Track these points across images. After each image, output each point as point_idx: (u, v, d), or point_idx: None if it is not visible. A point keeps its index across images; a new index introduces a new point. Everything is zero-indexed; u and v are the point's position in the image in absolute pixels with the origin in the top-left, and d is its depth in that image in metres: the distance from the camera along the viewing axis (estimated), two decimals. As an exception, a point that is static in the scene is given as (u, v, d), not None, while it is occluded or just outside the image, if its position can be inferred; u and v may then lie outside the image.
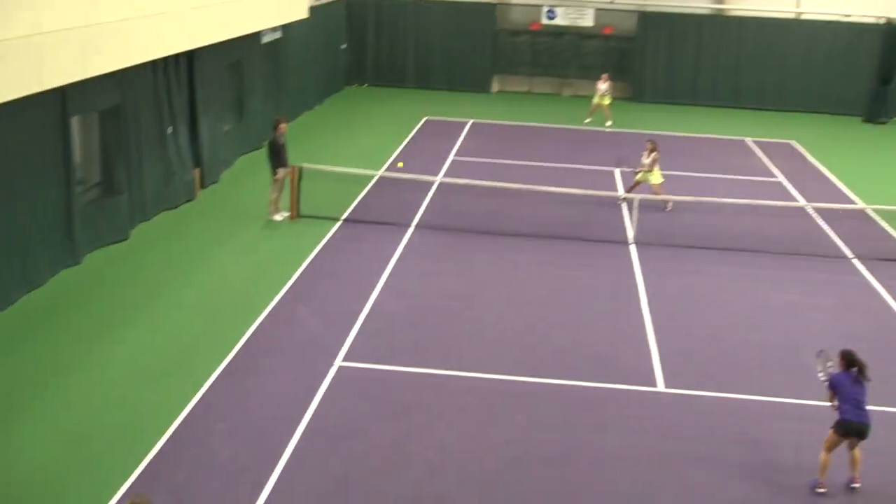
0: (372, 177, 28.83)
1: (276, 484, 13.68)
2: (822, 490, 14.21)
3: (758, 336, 19.45)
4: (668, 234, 25.45)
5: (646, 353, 18.60)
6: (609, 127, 39.47)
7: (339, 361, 17.49)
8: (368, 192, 28.14)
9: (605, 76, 39.97)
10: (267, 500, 13.32)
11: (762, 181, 31.97)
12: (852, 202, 29.74)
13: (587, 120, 40.18)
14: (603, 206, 27.59)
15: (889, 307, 21.45)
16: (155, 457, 14.22)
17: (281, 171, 25.35)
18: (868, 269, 23.67)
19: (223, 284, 20.99)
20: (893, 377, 17.82)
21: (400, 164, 31.13)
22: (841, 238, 25.88)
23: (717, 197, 27.83)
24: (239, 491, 13.48)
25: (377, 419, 15.63)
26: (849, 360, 14.25)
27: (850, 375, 14.20)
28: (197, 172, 27.25)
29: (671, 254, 24.10)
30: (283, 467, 14.10)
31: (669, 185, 28.80)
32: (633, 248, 24.30)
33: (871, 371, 14.10)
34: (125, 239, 23.12)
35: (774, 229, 26.20)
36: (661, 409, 16.48)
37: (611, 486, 14.13)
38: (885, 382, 17.44)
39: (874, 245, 25.40)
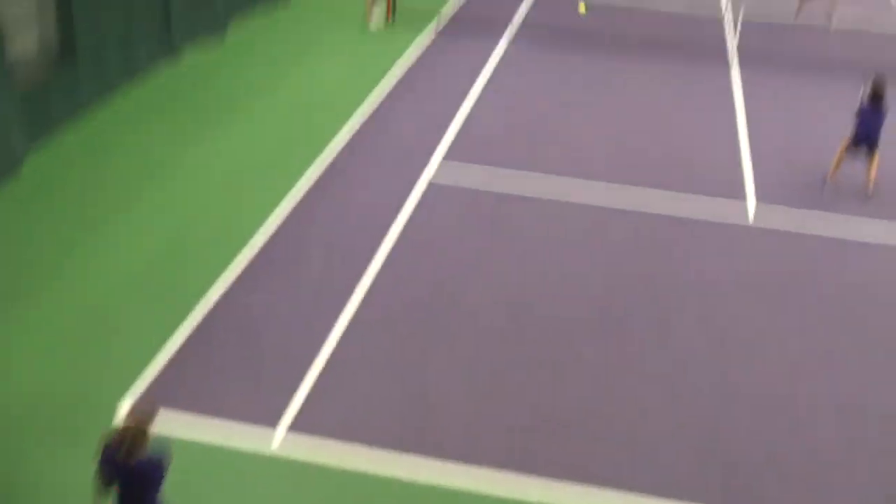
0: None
1: (369, 289, 13.83)
2: (831, 181, 17.80)
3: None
4: (773, 56, 24.72)
5: (738, 169, 18.40)
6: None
7: (433, 166, 17.49)
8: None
9: None
10: (360, 306, 13.47)
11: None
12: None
13: None
14: (705, 24, 26.83)
15: None
16: (252, 261, 14.35)
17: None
18: None
19: (319, 86, 20.89)
20: None
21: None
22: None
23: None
24: (330, 297, 13.60)
25: (468, 230, 15.61)
26: (875, 90, 17.28)
27: (871, 105, 17.30)
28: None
29: (773, 78, 23.43)
30: (384, 260, 14.23)
31: None
32: (735, 69, 23.71)
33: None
34: (222, 33, 22.99)
35: (888, 54, 25.26)
36: (751, 237, 16.21)
37: (700, 311, 13.94)
38: None
39: None
